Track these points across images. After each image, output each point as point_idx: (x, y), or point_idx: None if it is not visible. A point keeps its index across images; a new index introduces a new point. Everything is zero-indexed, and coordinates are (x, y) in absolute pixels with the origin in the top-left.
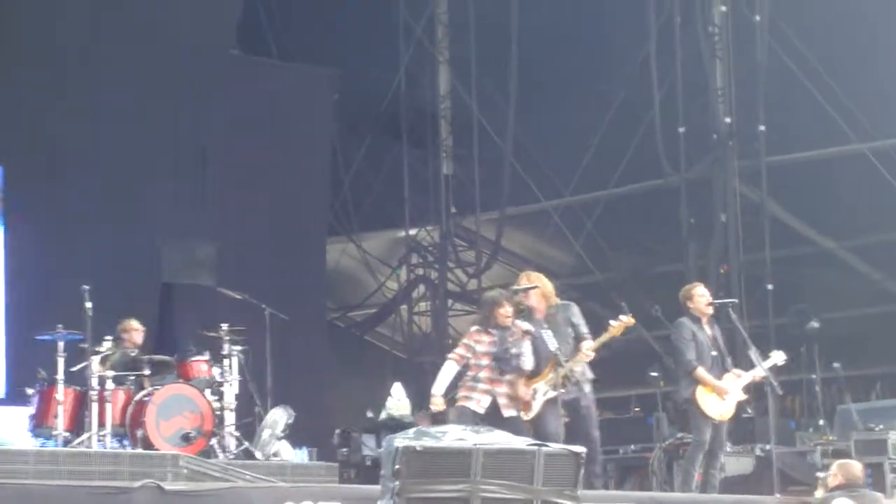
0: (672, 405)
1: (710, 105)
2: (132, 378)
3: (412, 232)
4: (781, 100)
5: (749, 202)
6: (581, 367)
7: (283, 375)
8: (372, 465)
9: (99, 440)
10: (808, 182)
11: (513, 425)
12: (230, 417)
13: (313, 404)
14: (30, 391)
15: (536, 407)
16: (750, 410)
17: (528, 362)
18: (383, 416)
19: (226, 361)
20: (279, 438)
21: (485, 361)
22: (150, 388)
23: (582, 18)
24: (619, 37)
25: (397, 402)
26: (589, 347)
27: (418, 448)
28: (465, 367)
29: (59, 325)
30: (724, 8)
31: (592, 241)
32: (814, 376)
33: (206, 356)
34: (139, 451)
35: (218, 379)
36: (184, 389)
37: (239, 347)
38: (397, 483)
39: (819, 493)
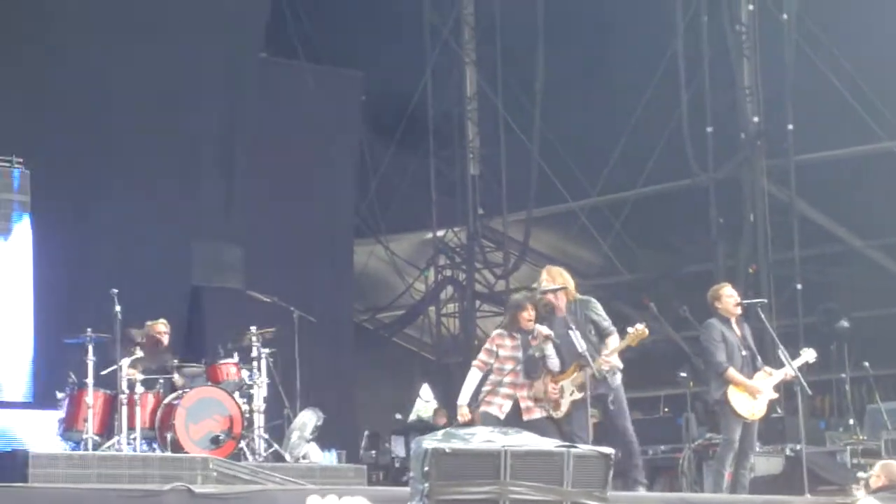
0: (701, 405)
1: (738, 104)
2: (161, 381)
3: (440, 233)
4: (809, 98)
5: (777, 201)
6: (616, 356)
7: (312, 378)
8: (400, 466)
9: (128, 443)
10: (836, 181)
11: (535, 429)
12: (259, 420)
13: (342, 406)
14: (60, 395)
15: (565, 405)
16: (780, 410)
17: (554, 364)
18: (412, 417)
19: (255, 364)
20: (308, 441)
21: (508, 366)
22: (179, 392)
23: (608, 19)
24: (646, 36)
25: (426, 403)
26: (606, 354)
27: (447, 450)
28: (489, 372)
29: (89, 329)
30: (751, 6)
31: (620, 241)
32: (843, 376)
33: (236, 359)
34: (169, 454)
35: (247, 382)
36: (213, 392)
37: (268, 350)
38: (426, 485)
39: (861, 494)
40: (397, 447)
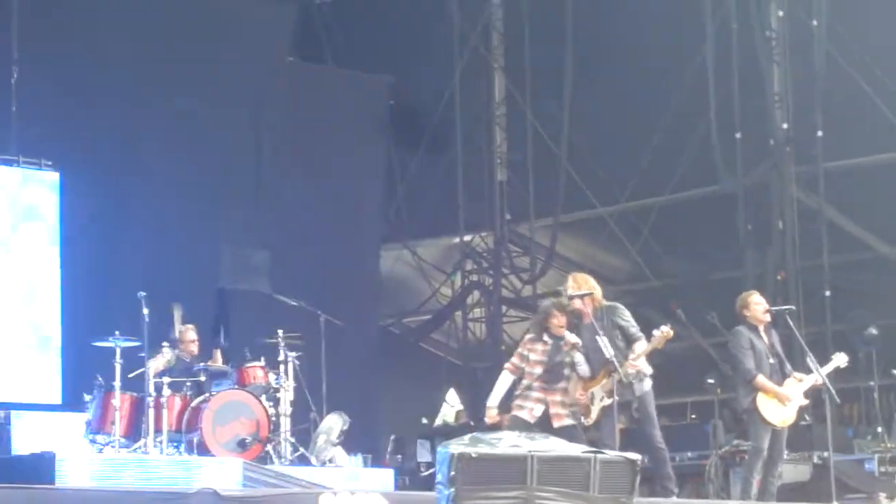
0: (729, 412)
1: (767, 110)
2: (189, 384)
3: (467, 238)
4: (839, 105)
5: (806, 208)
6: (642, 360)
7: (338, 381)
8: (426, 471)
9: (155, 446)
10: (865, 187)
11: (565, 435)
12: (286, 423)
13: (368, 410)
14: (87, 397)
15: (595, 412)
16: (808, 417)
17: (584, 371)
18: (438, 422)
19: (281, 367)
20: (334, 445)
21: (538, 370)
22: (206, 395)
23: (637, 24)
24: (675, 42)
25: (452, 408)
26: (633, 358)
27: (473, 455)
28: (521, 377)
29: (116, 332)
30: (781, 13)
31: (648, 247)
32: (872, 383)
33: (262, 362)
34: (196, 456)
35: (274, 385)
36: (240, 395)
37: (294, 353)
38: (452, 490)
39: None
40: (423, 452)
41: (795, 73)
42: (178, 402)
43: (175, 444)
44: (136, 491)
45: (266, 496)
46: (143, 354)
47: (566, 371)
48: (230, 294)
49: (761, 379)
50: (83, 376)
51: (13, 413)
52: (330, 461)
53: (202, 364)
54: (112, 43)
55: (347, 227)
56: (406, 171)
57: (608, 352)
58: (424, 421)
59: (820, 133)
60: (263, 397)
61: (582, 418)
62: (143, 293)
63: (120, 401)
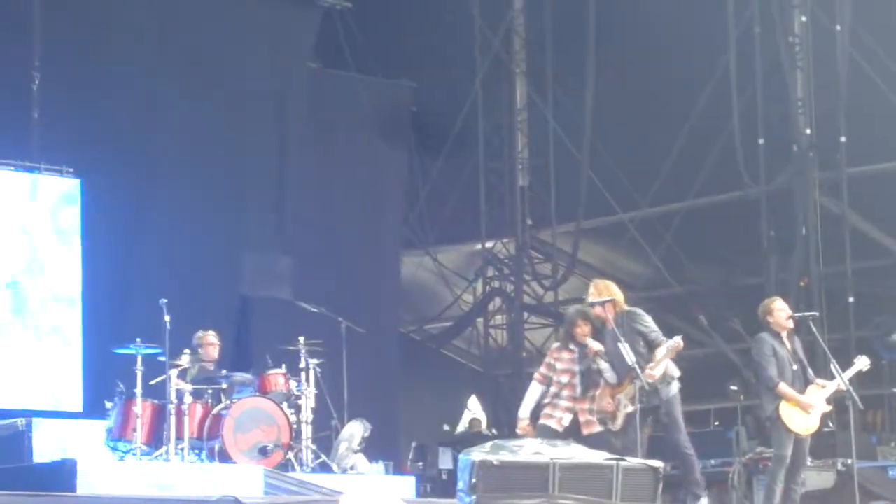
0: (752, 419)
1: (791, 116)
2: (210, 391)
3: (488, 244)
4: (862, 110)
5: (830, 214)
6: (662, 369)
7: (359, 388)
8: (448, 478)
9: (177, 453)
10: (889, 193)
11: (594, 443)
12: (307, 431)
13: (389, 417)
14: (109, 404)
15: (620, 419)
16: (831, 424)
17: (612, 378)
18: (460, 429)
19: (303, 375)
20: (356, 452)
21: (565, 378)
22: (227, 402)
23: (660, 30)
24: (698, 48)
25: (473, 415)
26: (650, 367)
27: (495, 462)
28: (549, 386)
29: (138, 339)
30: (804, 18)
31: (671, 253)
32: (895, 390)
33: (284, 369)
34: (217, 464)
35: (295, 392)
36: (261, 403)
37: (316, 360)
38: (474, 497)
39: None
40: (444, 459)
41: (819, 79)
42: (199, 409)
43: (196, 451)
44: (157, 498)
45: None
46: (164, 359)
47: (594, 378)
48: (252, 301)
49: (783, 387)
50: (104, 383)
51: (34, 420)
52: (351, 468)
53: (224, 372)
54: (133, 50)
55: (369, 233)
56: (428, 177)
57: (630, 358)
58: (446, 428)
59: (843, 138)
60: (285, 404)
61: (609, 425)
62: (165, 300)
63: (141, 408)
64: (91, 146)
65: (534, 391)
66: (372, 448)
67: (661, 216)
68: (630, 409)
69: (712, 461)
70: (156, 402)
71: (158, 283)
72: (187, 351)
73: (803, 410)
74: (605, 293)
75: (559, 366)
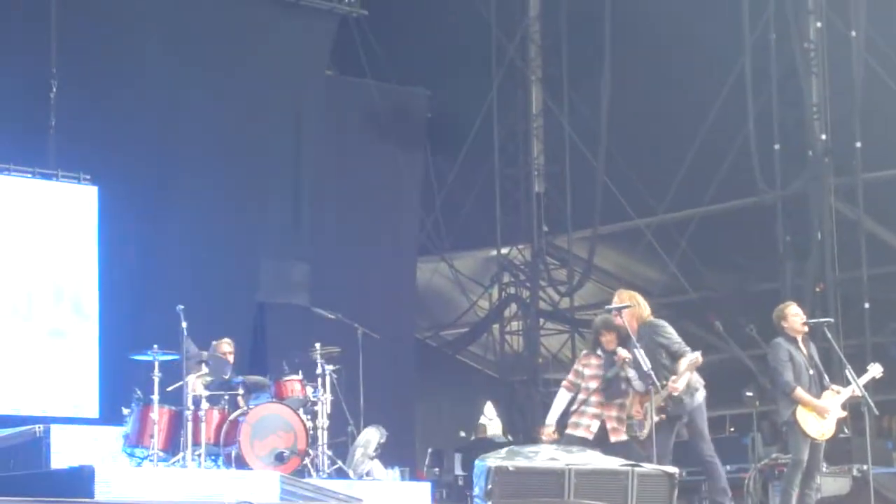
0: (768, 425)
1: (806, 121)
2: (227, 397)
3: (504, 251)
4: (877, 115)
5: (845, 219)
6: (685, 382)
7: (375, 394)
8: (464, 484)
9: (193, 459)
10: None
11: (623, 450)
12: (323, 437)
13: (405, 423)
14: (126, 411)
15: (648, 427)
16: (847, 430)
17: (639, 385)
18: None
19: (319, 381)
20: (372, 458)
21: (593, 384)
22: (244, 408)
23: (675, 36)
24: (713, 54)
25: (490, 421)
26: (672, 381)
27: (511, 468)
28: (577, 393)
29: (155, 345)
30: (819, 24)
31: (686, 259)
32: None
33: (300, 375)
34: (234, 470)
35: (311, 398)
36: (278, 409)
37: (332, 366)
38: (489, 503)
39: None
40: (460, 465)
41: (834, 84)
42: (216, 415)
43: (213, 457)
44: (173, 503)
45: None
46: (181, 367)
47: (623, 386)
48: (269, 307)
49: (800, 392)
50: (121, 390)
51: (52, 427)
52: (367, 474)
53: (240, 377)
54: (150, 57)
55: (385, 240)
56: (443, 183)
57: (646, 365)
58: (463, 434)
59: (858, 144)
60: (301, 410)
61: (637, 433)
62: (182, 307)
63: (158, 414)
64: (108, 154)
65: (562, 398)
66: (388, 454)
67: (676, 222)
68: (656, 419)
69: (728, 467)
70: (173, 408)
71: (175, 289)
72: (204, 356)
73: (819, 415)
74: (625, 302)
75: (587, 372)
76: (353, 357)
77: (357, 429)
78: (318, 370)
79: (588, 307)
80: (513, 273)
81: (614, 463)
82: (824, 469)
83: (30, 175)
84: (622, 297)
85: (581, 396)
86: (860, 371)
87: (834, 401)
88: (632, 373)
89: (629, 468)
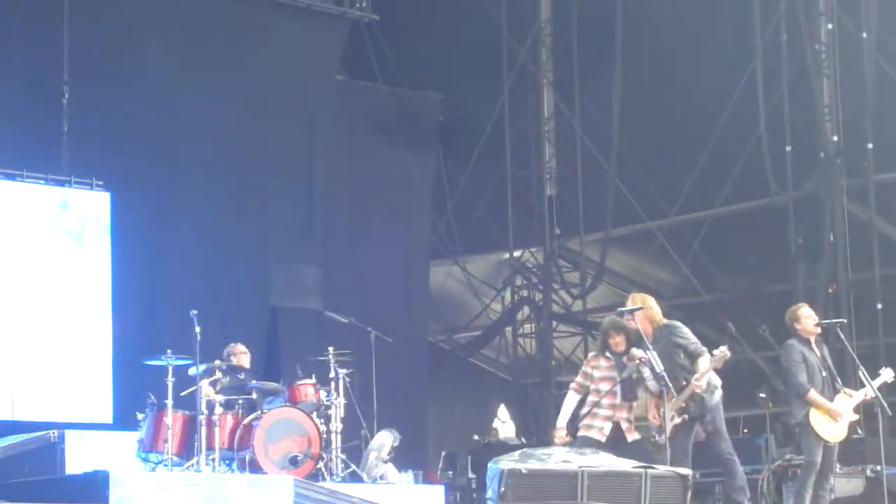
0: (781, 426)
1: (818, 123)
2: (241, 402)
3: (516, 254)
4: (889, 116)
5: (857, 220)
6: (706, 379)
7: (388, 398)
8: (477, 487)
9: (207, 464)
10: None
11: (639, 449)
12: (337, 440)
13: (418, 427)
14: (140, 416)
15: (668, 431)
16: (860, 431)
17: (653, 385)
18: (490, 438)
19: (332, 384)
20: (385, 461)
21: (604, 386)
22: (258, 412)
23: (686, 38)
24: (724, 56)
25: (503, 424)
26: (695, 379)
27: (524, 470)
28: (586, 395)
29: (168, 350)
30: (830, 25)
31: (698, 261)
32: None
33: (313, 379)
34: (248, 474)
35: (325, 402)
36: (291, 413)
37: (345, 370)
38: None
39: None
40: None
41: (845, 86)
42: (230, 420)
43: (227, 461)
44: None
45: None
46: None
47: (634, 387)
48: (281, 312)
49: (813, 394)
50: (135, 395)
51: (66, 432)
52: (381, 478)
53: (254, 382)
54: (162, 63)
55: (397, 243)
56: (455, 187)
57: (658, 367)
58: (476, 437)
59: (870, 145)
60: (315, 414)
61: (656, 436)
62: (196, 311)
63: (172, 419)
64: (120, 160)
65: (570, 400)
66: (401, 457)
67: (688, 224)
68: (678, 420)
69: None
70: (187, 413)
71: (188, 294)
72: (218, 362)
73: (832, 418)
74: (637, 304)
75: (597, 374)
76: (367, 361)
77: (370, 432)
78: (332, 374)
79: (601, 309)
80: (525, 276)
81: (627, 465)
82: (838, 470)
83: (43, 182)
84: (634, 300)
85: (592, 398)
86: (873, 372)
87: (846, 404)
88: (647, 373)
89: (642, 470)
